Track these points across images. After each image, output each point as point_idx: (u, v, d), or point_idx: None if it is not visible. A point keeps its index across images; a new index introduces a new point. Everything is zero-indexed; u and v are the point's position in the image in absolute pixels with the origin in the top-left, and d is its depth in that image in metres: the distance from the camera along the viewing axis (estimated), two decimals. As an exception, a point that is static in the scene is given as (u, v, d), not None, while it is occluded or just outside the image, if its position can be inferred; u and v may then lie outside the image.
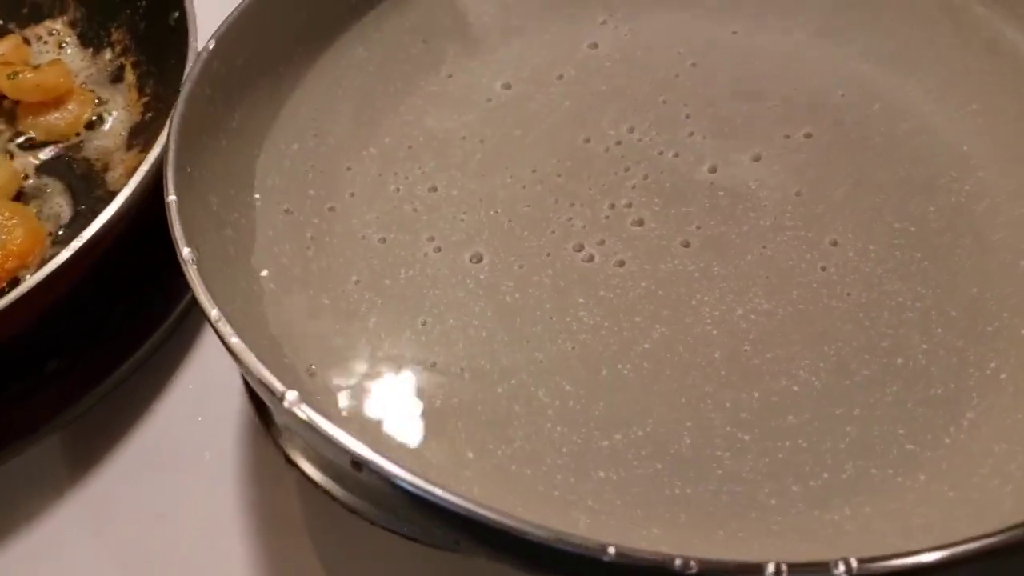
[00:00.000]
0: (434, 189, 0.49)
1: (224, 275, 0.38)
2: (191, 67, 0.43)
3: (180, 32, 0.51)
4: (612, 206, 0.48)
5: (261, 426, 0.41)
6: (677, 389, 0.41)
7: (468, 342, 0.43)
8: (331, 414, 0.36)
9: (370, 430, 0.39)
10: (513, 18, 0.56)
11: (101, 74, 0.60)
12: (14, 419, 0.44)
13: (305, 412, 0.31)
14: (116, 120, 0.57)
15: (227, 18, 0.46)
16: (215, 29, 0.45)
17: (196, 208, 0.40)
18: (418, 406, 0.41)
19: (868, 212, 0.46)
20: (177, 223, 0.36)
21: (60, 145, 0.56)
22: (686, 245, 0.46)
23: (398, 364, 0.42)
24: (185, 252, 0.36)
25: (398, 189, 0.49)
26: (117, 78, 0.59)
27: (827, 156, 0.49)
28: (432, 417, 0.40)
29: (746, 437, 0.39)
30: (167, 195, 0.38)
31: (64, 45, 0.61)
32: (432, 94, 0.53)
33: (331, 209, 0.48)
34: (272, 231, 0.46)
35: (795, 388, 0.41)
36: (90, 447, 0.48)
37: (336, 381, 0.41)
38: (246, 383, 0.42)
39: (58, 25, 0.61)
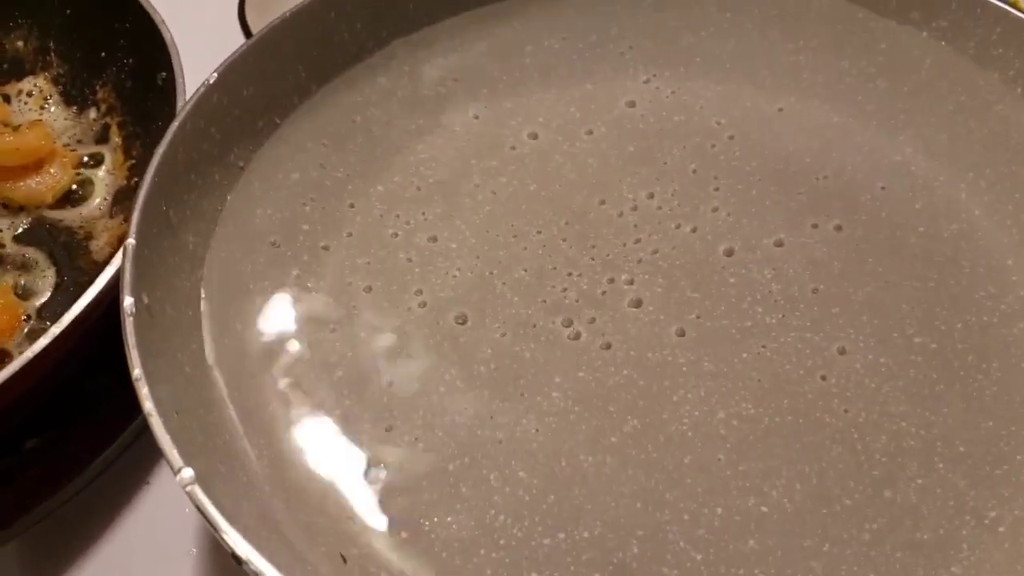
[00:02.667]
0: (434, 239, 0.47)
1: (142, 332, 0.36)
2: (188, 104, 0.42)
3: (167, 93, 0.49)
4: (611, 281, 0.45)
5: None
6: (636, 492, 0.38)
7: (429, 410, 0.41)
8: (245, 483, 0.35)
9: (297, 496, 0.37)
10: (555, 63, 0.54)
11: (85, 134, 0.56)
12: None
13: (195, 495, 0.30)
14: (101, 184, 0.54)
15: (233, 53, 0.45)
16: (221, 62, 0.44)
17: (165, 251, 0.39)
18: (360, 474, 0.39)
19: (887, 321, 0.42)
20: (129, 268, 0.36)
21: (40, 211, 0.52)
22: (681, 334, 0.43)
23: (353, 423, 0.41)
24: (128, 302, 0.35)
25: (396, 234, 0.47)
26: (102, 139, 0.56)
27: (855, 252, 0.45)
28: (374, 488, 0.39)
29: (698, 556, 0.36)
30: (129, 237, 0.37)
31: (47, 103, 0.58)
32: (455, 135, 0.52)
33: (325, 248, 0.47)
34: (251, 265, 0.45)
35: (764, 509, 0.37)
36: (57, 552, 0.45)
37: (280, 437, 0.40)
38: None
39: (40, 81, 0.58)
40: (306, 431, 0.40)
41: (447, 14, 0.53)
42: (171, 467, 0.30)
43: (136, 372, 0.33)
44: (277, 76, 0.47)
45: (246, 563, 0.28)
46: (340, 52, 0.50)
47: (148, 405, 0.32)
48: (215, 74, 0.44)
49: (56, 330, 0.39)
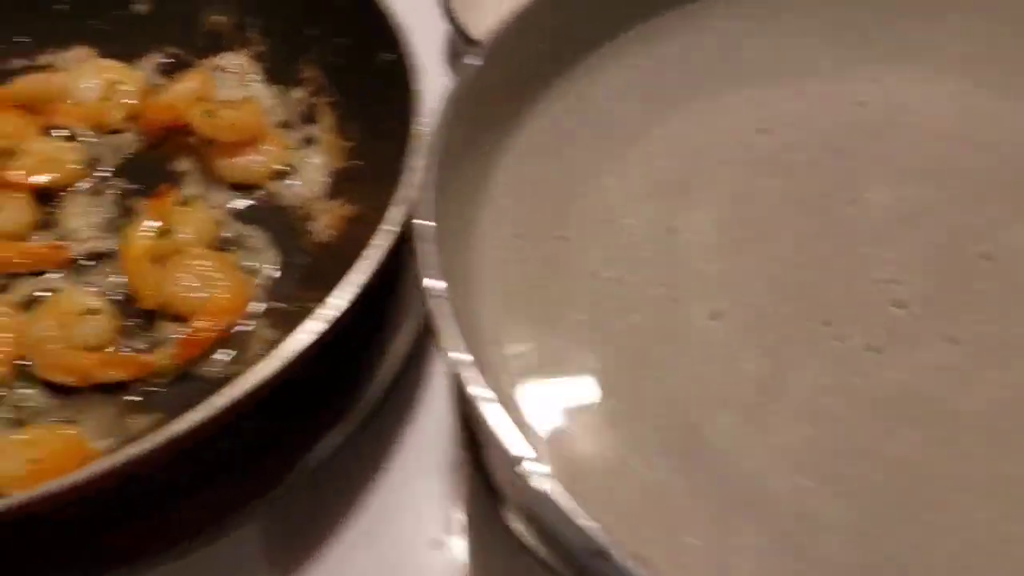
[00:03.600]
0: (674, 231, 0.46)
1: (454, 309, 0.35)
2: (455, 88, 0.41)
3: (399, 75, 0.47)
4: (873, 281, 0.43)
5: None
6: (925, 505, 0.36)
7: (697, 407, 0.40)
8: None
9: (589, 498, 0.36)
10: (786, 55, 0.52)
11: (291, 114, 0.55)
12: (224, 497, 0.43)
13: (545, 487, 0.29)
14: (312, 166, 0.53)
15: (491, 35, 0.44)
16: (485, 41, 0.43)
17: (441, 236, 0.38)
18: (639, 474, 0.38)
19: None
20: (425, 257, 0.35)
21: (255, 190, 0.52)
22: (954, 341, 0.41)
23: (625, 422, 0.39)
24: (438, 285, 0.34)
25: (635, 226, 0.46)
26: (310, 119, 0.55)
27: None
28: (653, 487, 0.37)
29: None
30: (417, 217, 0.36)
31: (248, 80, 0.57)
32: (683, 129, 0.50)
33: (563, 238, 0.46)
34: (501, 254, 0.44)
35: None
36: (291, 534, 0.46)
37: (555, 429, 0.39)
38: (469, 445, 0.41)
39: (241, 58, 0.57)
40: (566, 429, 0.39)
41: (684, 2, 0.52)
42: (509, 456, 0.29)
43: (459, 356, 0.32)
44: (524, 59, 0.46)
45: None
46: (581, 36, 0.49)
47: (475, 390, 0.31)
48: (482, 56, 0.43)
49: (331, 313, 0.38)
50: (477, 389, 0.31)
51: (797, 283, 0.43)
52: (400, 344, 0.49)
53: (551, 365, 0.41)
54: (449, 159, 0.41)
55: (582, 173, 0.48)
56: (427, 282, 0.34)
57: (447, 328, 0.33)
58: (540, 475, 0.29)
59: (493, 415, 0.30)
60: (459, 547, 0.44)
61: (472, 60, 0.43)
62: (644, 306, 0.43)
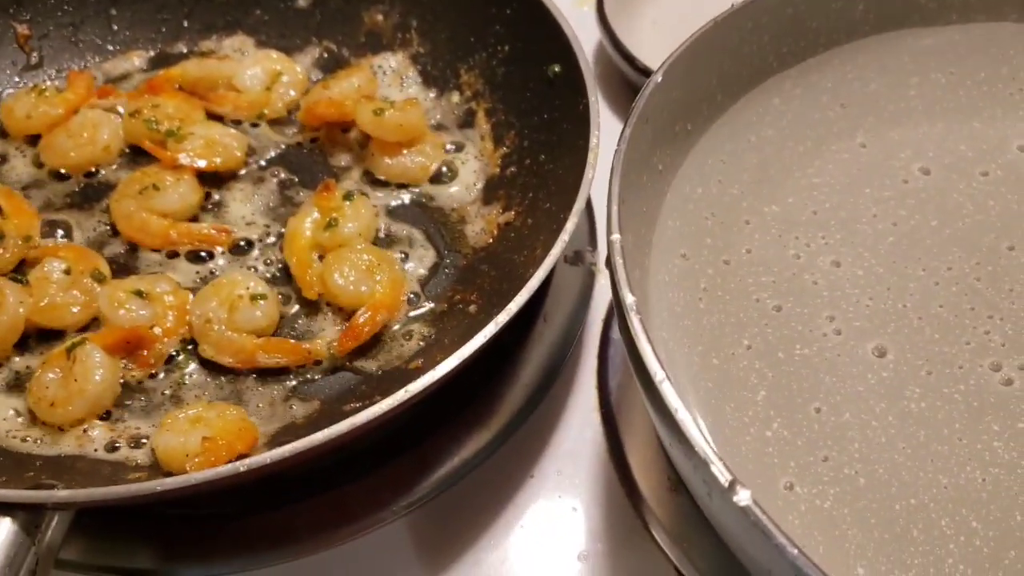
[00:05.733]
0: (837, 264, 0.46)
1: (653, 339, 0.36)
2: (639, 101, 0.42)
3: (565, 86, 0.48)
4: (1043, 328, 0.43)
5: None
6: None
7: (865, 443, 0.40)
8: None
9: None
10: (949, 96, 0.52)
11: (447, 117, 0.56)
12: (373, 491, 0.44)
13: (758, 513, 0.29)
14: (468, 171, 0.54)
15: (671, 55, 0.45)
16: (660, 64, 0.44)
17: (627, 249, 0.38)
18: (804, 500, 0.38)
19: None
20: (621, 266, 0.35)
21: (410, 190, 0.53)
22: None
23: (786, 449, 0.39)
24: (629, 299, 0.34)
25: (798, 256, 0.46)
26: (466, 123, 0.56)
27: None
28: (820, 517, 0.37)
29: None
30: (611, 233, 0.37)
31: (405, 81, 0.58)
32: (844, 161, 0.50)
33: (726, 263, 0.46)
34: (667, 276, 0.45)
35: None
36: (440, 534, 0.46)
37: (720, 451, 0.39)
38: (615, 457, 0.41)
39: (398, 59, 0.58)
40: (732, 454, 0.39)
41: (843, 39, 0.52)
42: (716, 483, 0.29)
43: (659, 375, 0.32)
44: (696, 83, 0.47)
45: None
46: (746, 67, 0.49)
47: (675, 403, 0.31)
48: (659, 75, 0.43)
49: (503, 318, 0.39)
50: (678, 407, 0.31)
51: (962, 324, 0.43)
52: (543, 353, 0.49)
53: (716, 390, 0.41)
54: (628, 180, 0.41)
55: (747, 200, 0.48)
56: (626, 297, 0.35)
57: (644, 347, 0.33)
58: (747, 500, 0.29)
59: (696, 436, 0.31)
60: (603, 560, 0.45)
61: (651, 83, 0.43)
62: (809, 338, 0.43)
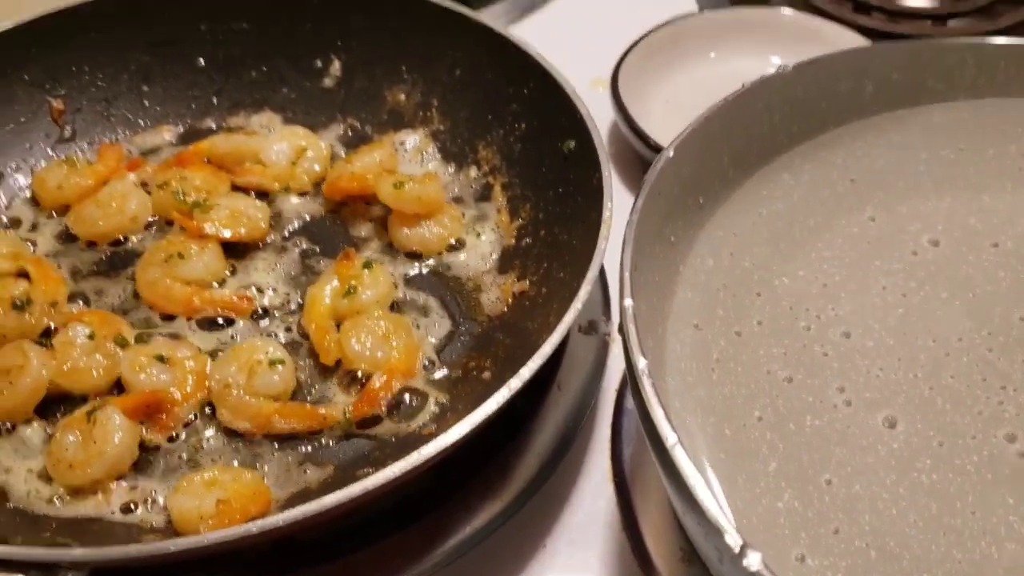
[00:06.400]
0: (847, 335, 0.46)
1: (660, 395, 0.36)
2: (651, 174, 0.43)
3: (580, 161, 0.50)
4: (1056, 401, 0.43)
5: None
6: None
7: (876, 516, 0.40)
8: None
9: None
10: (950, 173, 0.53)
11: (464, 191, 0.58)
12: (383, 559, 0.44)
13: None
14: (484, 242, 0.55)
15: (682, 131, 0.46)
16: (673, 139, 0.45)
17: (640, 316, 0.39)
18: (816, 572, 0.38)
19: None
20: (633, 330, 0.36)
21: (428, 260, 0.55)
22: None
23: (797, 520, 0.39)
24: (641, 363, 0.35)
25: (808, 327, 0.47)
26: (484, 197, 0.57)
27: None
28: (832, 590, 0.37)
29: None
30: (623, 298, 0.38)
31: (425, 156, 0.59)
32: (853, 235, 0.51)
33: (738, 334, 0.47)
34: (680, 346, 0.45)
35: None
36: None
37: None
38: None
39: (419, 136, 0.60)
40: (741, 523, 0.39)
41: (853, 118, 0.53)
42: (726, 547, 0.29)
43: (671, 439, 0.32)
44: (707, 159, 0.48)
45: None
46: (756, 144, 0.50)
47: (687, 467, 0.31)
48: (671, 150, 0.45)
49: (516, 384, 0.40)
50: (690, 471, 0.31)
51: (974, 394, 0.43)
52: (557, 422, 0.50)
53: (728, 460, 0.42)
54: (641, 249, 0.42)
55: (758, 273, 0.49)
56: (638, 360, 0.35)
57: (656, 410, 0.34)
58: (758, 564, 0.29)
59: (708, 500, 0.31)
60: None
61: (662, 158, 0.45)
62: (820, 409, 0.43)
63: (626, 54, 0.63)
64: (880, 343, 0.46)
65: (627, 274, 0.39)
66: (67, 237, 0.56)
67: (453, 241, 0.55)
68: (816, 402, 0.44)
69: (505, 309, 0.51)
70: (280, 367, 0.47)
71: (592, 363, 0.52)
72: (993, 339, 0.46)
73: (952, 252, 0.50)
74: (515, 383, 0.40)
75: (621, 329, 0.37)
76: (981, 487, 0.40)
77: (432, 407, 0.48)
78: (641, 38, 0.64)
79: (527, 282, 0.51)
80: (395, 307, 0.52)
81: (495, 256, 0.55)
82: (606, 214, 0.46)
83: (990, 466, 0.41)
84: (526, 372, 0.40)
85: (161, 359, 0.48)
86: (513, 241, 0.55)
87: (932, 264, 0.50)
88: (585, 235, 0.47)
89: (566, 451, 0.49)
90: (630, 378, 0.36)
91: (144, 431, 0.47)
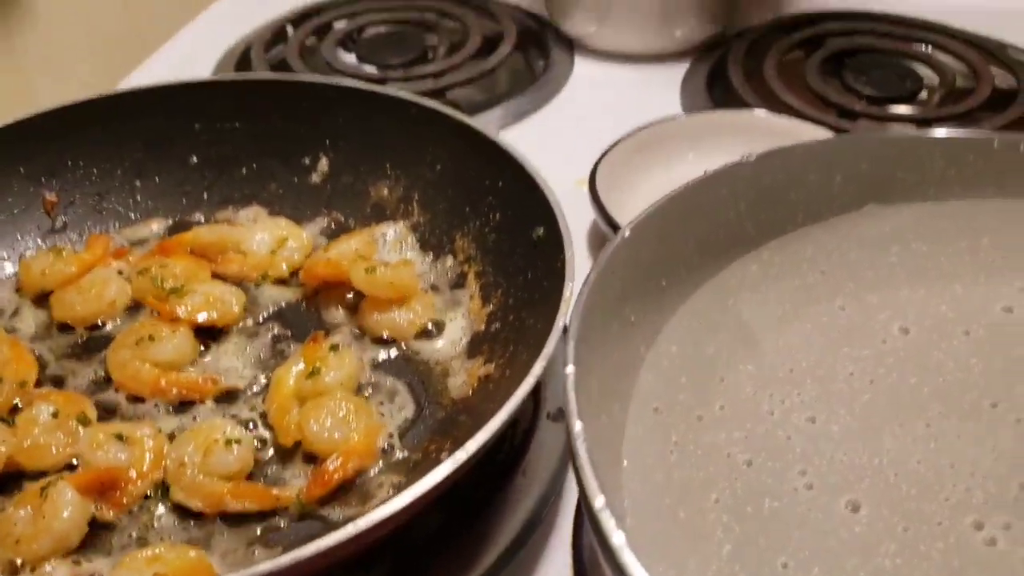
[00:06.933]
0: (812, 420, 0.45)
1: (595, 463, 0.36)
2: (604, 251, 0.43)
3: (546, 249, 0.50)
4: (1020, 485, 0.41)
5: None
6: None
7: (836, 602, 0.38)
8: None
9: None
10: (922, 264, 0.53)
11: (440, 279, 0.59)
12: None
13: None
14: (456, 327, 0.56)
15: (641, 213, 0.47)
16: (636, 217, 0.45)
17: (583, 387, 0.39)
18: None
19: None
20: (572, 395, 0.36)
21: (399, 344, 0.55)
22: (1118, 557, 0.38)
23: (754, 605, 0.38)
24: (577, 427, 0.34)
25: (772, 412, 0.46)
26: (458, 284, 0.58)
27: None
28: None
29: None
30: (566, 365, 0.37)
31: (404, 247, 0.61)
32: (822, 323, 0.51)
33: (699, 418, 0.46)
34: (639, 428, 0.44)
35: None
36: None
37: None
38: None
39: (399, 228, 0.61)
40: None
41: (823, 212, 0.53)
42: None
43: (599, 502, 0.31)
44: (670, 243, 0.48)
45: None
46: (723, 231, 0.50)
47: (616, 538, 0.30)
48: (627, 231, 0.45)
49: (461, 456, 0.39)
50: (613, 537, 0.30)
51: (940, 480, 0.42)
52: (519, 510, 0.48)
53: (681, 543, 0.40)
54: (593, 320, 0.42)
55: (723, 359, 0.49)
56: (574, 424, 0.35)
57: (596, 498, 0.33)
58: None
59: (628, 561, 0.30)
60: None
61: (618, 237, 0.45)
62: (780, 492, 0.42)
63: (605, 154, 0.64)
64: (846, 428, 0.45)
65: (572, 343, 0.39)
66: (47, 322, 0.57)
67: (426, 327, 0.55)
68: (776, 485, 0.43)
69: (470, 393, 0.51)
70: (236, 446, 0.47)
71: (561, 451, 0.51)
72: (962, 426, 0.45)
73: (923, 340, 0.49)
74: (460, 455, 0.39)
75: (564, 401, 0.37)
76: (947, 574, 0.38)
77: (388, 490, 0.47)
78: (621, 139, 0.65)
79: (492, 365, 0.51)
80: (362, 390, 0.52)
81: (465, 341, 0.55)
82: (566, 293, 0.46)
83: (956, 553, 0.39)
84: (472, 445, 0.40)
85: (120, 437, 0.48)
86: (483, 327, 0.55)
87: (902, 351, 0.49)
88: (548, 316, 0.47)
89: (528, 539, 0.47)
90: (567, 444, 0.36)
91: (97, 508, 0.46)
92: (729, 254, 0.52)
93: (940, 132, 0.56)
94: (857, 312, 0.51)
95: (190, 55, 0.88)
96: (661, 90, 0.79)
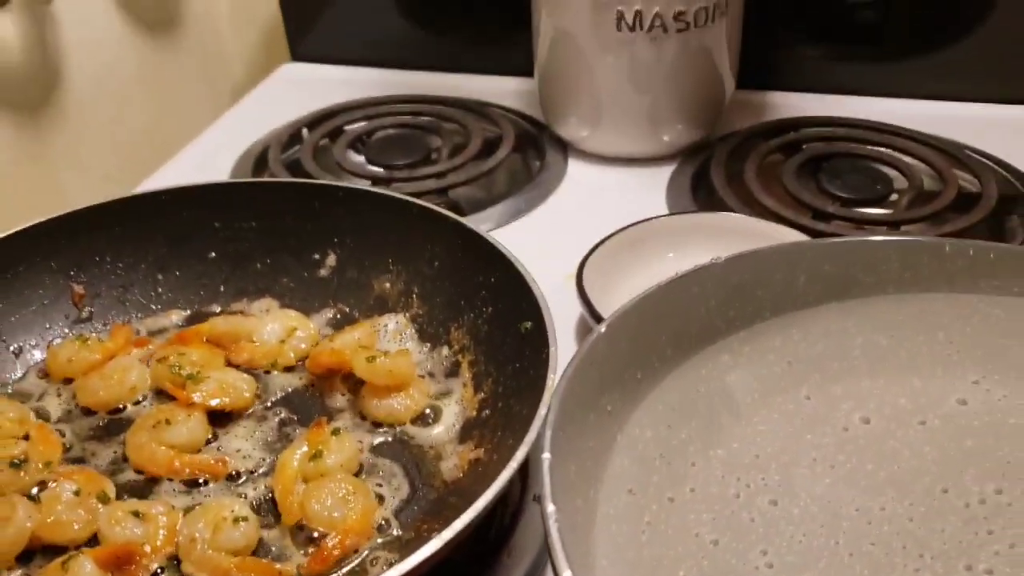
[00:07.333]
0: (775, 503, 0.49)
1: (566, 542, 0.39)
2: (583, 346, 0.48)
3: (533, 341, 0.55)
4: (969, 568, 0.45)
5: None
6: None
7: (793, 674, 0.41)
8: None
9: None
10: (883, 357, 0.57)
11: (436, 368, 0.63)
12: None
13: None
14: (449, 413, 0.60)
15: (618, 310, 0.51)
16: (612, 314, 0.50)
17: (559, 472, 0.43)
18: None
19: None
20: (547, 480, 0.40)
21: (396, 429, 0.59)
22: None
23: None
24: (550, 508, 0.38)
25: (738, 495, 0.50)
26: (452, 373, 0.63)
27: None
28: None
29: None
30: (542, 452, 0.41)
31: (403, 337, 0.66)
32: (788, 412, 0.55)
33: (671, 499, 0.50)
34: (613, 509, 0.48)
35: None
36: None
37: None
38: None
39: (399, 319, 0.66)
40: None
41: (789, 307, 0.58)
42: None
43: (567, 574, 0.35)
44: (645, 337, 0.53)
45: None
46: (695, 326, 0.55)
47: None
48: (603, 327, 0.49)
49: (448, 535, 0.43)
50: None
51: (892, 561, 0.45)
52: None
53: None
54: (571, 410, 0.46)
55: (694, 444, 0.53)
56: (547, 506, 0.39)
57: (557, 549, 0.37)
58: None
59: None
60: None
61: (595, 333, 0.50)
62: (742, 571, 0.46)
63: (592, 251, 0.69)
64: (805, 511, 0.49)
65: (549, 432, 0.43)
66: (71, 405, 0.62)
67: (421, 412, 0.59)
68: (740, 564, 0.46)
69: (461, 475, 0.55)
70: (243, 524, 0.51)
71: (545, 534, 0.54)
72: (914, 509, 0.48)
73: (881, 429, 0.53)
74: (447, 534, 0.43)
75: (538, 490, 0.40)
76: (893, 650, 0.42)
77: (383, 566, 0.50)
78: (607, 238, 0.70)
79: (482, 450, 0.55)
80: (361, 472, 0.56)
81: (457, 427, 0.59)
82: (549, 383, 0.50)
83: (904, 631, 0.42)
84: (458, 524, 0.43)
85: (136, 514, 0.52)
86: (474, 413, 0.59)
87: (861, 439, 0.53)
88: (533, 404, 0.51)
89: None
90: (544, 525, 0.40)
91: (113, 582, 0.50)
92: (701, 347, 0.56)
93: (896, 237, 0.61)
94: (821, 402, 0.55)
95: (212, 152, 0.95)
96: (648, 191, 0.84)
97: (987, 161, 0.84)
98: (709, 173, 0.83)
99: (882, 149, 0.86)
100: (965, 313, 0.57)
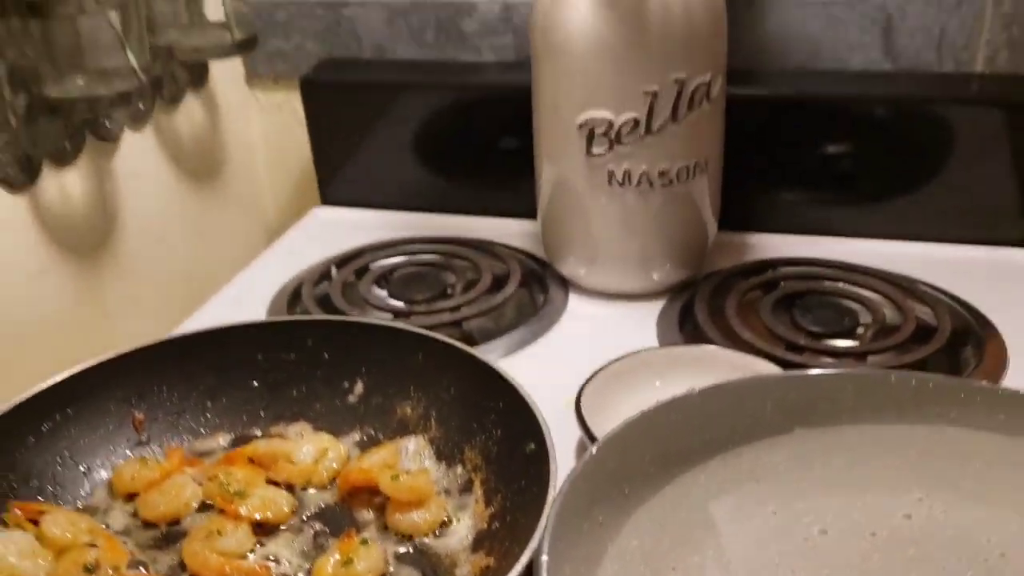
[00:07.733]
0: (743, 606, 0.57)
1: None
2: (576, 467, 0.56)
3: (536, 461, 0.63)
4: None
5: None
6: None
7: None
8: None
9: None
10: (841, 476, 0.66)
11: (452, 484, 0.72)
12: None
13: None
14: (463, 526, 0.68)
15: (607, 435, 0.60)
16: (602, 437, 0.59)
17: (556, 574, 0.51)
18: None
19: None
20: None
21: (416, 540, 0.67)
22: None
23: None
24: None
25: (713, 598, 0.58)
26: (466, 489, 0.72)
27: None
28: None
29: None
30: (541, 554, 0.50)
31: (422, 457, 0.75)
32: (756, 525, 0.63)
33: (653, 601, 0.58)
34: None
35: None
36: None
37: None
38: None
39: (419, 440, 0.76)
40: None
41: (759, 430, 0.66)
42: None
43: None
44: (631, 458, 0.62)
45: None
46: (675, 448, 0.64)
47: None
48: (594, 448, 0.59)
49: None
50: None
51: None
52: None
53: None
54: (567, 522, 0.55)
55: (675, 552, 0.61)
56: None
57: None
58: None
59: None
60: None
61: (587, 455, 0.59)
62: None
63: (589, 380, 0.78)
64: (769, 611, 0.57)
65: (547, 539, 0.52)
66: (134, 518, 0.70)
67: (439, 525, 0.68)
68: (710, 658, 0.54)
69: (476, 582, 0.63)
70: (286, 622, 0.59)
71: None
72: (863, 610, 0.56)
73: (837, 539, 0.62)
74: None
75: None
76: None
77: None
78: (602, 368, 0.80)
79: (492, 558, 0.63)
80: (385, 577, 0.64)
81: (470, 538, 0.67)
82: (549, 499, 0.59)
83: None
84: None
85: (194, 612, 0.60)
86: (485, 525, 0.67)
87: (819, 548, 0.61)
88: (535, 516, 0.59)
89: None
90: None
91: (169, 672, 0.58)
92: (681, 466, 0.65)
93: (848, 370, 0.70)
94: (786, 516, 0.64)
95: (250, 288, 1.05)
96: (640, 324, 0.94)
97: (941, 295, 0.94)
98: (694, 309, 0.93)
99: (848, 287, 0.96)
100: (910, 439, 0.66)
